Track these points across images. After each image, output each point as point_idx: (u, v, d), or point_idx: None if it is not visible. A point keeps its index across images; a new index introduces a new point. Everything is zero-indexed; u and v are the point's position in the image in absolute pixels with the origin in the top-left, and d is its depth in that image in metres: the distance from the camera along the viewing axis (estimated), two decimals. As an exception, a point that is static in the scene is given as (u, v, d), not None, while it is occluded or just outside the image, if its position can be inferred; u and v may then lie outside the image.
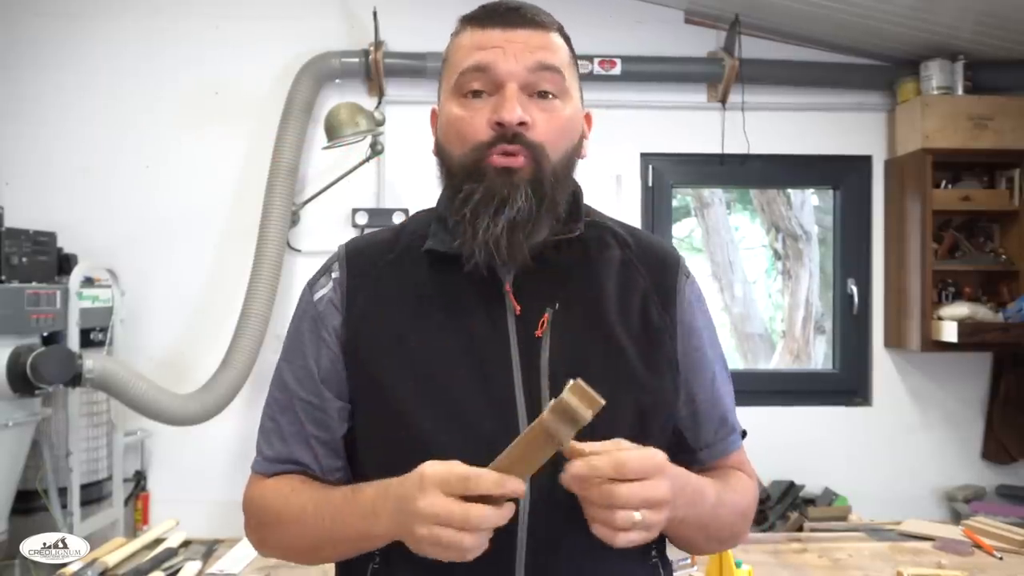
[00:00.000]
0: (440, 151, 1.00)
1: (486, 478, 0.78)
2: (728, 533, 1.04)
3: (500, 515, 0.79)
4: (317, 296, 1.02)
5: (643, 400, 0.95)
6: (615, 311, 0.98)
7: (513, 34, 0.93)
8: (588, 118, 1.04)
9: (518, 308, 0.95)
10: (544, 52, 0.94)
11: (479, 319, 0.95)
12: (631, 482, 0.79)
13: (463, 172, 0.93)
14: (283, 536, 0.98)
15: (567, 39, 0.99)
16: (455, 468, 0.79)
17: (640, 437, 0.88)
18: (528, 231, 0.92)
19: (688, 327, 1.02)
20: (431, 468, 0.80)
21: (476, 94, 0.94)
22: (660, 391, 0.97)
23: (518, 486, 0.79)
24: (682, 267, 1.06)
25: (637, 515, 0.79)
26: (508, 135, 0.91)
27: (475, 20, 0.96)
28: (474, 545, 0.78)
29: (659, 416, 0.97)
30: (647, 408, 0.96)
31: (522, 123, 0.91)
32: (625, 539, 0.80)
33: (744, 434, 1.09)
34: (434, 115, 1.04)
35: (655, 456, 0.82)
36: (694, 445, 1.03)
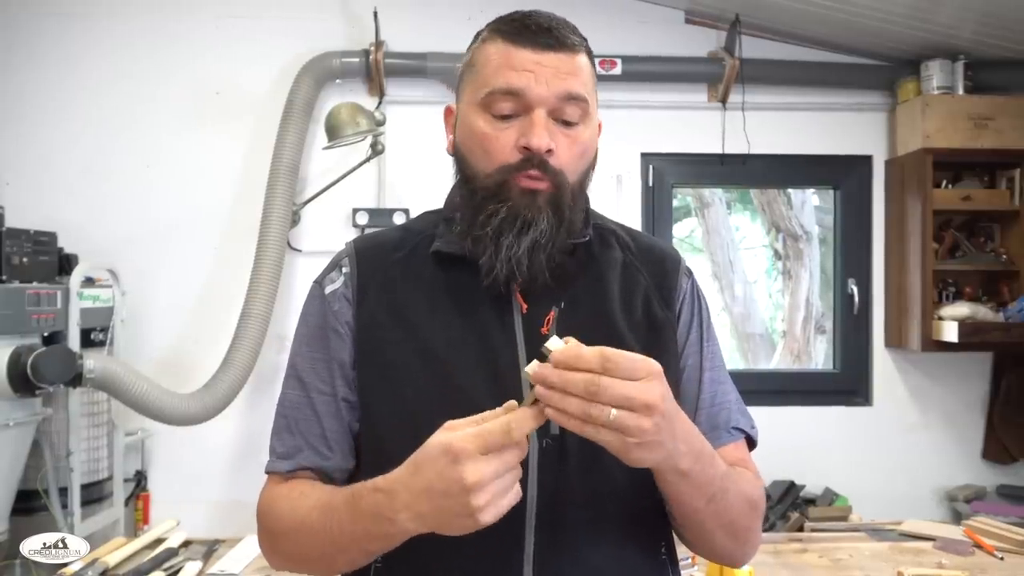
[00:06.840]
0: (459, 155, 1.01)
1: (498, 428, 0.76)
2: (734, 517, 0.94)
3: (524, 449, 0.77)
4: (328, 290, 1.02)
5: None
6: (619, 309, 0.99)
7: (544, 57, 0.94)
8: (599, 127, 1.04)
9: (525, 306, 0.97)
10: (572, 80, 0.94)
11: (487, 317, 0.96)
12: (614, 378, 0.75)
13: (487, 191, 0.95)
14: (292, 546, 0.95)
15: (591, 54, 1.00)
16: (469, 430, 0.76)
17: None
18: (547, 251, 0.94)
19: (687, 324, 1.04)
20: (455, 440, 0.76)
21: (505, 117, 0.95)
22: None
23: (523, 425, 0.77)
24: (682, 267, 1.07)
25: (613, 412, 0.74)
26: (535, 160, 0.93)
27: (507, 35, 0.96)
28: (516, 486, 0.77)
29: None
30: None
31: (548, 150, 0.93)
32: (594, 435, 0.76)
33: (751, 441, 1.05)
34: (449, 112, 1.05)
35: (649, 361, 0.77)
36: None
